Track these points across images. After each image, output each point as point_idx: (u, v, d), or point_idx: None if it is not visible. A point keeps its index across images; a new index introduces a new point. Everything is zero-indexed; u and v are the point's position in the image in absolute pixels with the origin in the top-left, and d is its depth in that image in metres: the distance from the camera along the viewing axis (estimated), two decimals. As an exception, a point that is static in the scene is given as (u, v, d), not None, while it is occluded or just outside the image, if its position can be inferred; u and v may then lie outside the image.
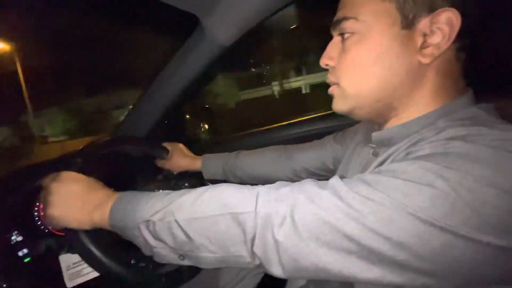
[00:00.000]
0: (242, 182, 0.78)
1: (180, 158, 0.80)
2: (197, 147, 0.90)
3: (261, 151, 0.81)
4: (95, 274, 0.63)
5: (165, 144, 0.81)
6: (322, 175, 0.73)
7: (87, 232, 0.46)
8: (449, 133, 0.33)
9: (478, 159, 0.28)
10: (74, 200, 0.45)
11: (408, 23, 0.37)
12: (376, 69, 0.39)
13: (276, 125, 1.11)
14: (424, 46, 0.37)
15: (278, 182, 0.39)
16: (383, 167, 0.35)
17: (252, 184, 0.41)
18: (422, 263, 0.28)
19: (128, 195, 0.45)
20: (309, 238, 0.32)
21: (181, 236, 0.38)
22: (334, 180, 0.35)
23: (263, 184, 0.39)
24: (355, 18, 0.39)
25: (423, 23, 0.37)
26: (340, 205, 0.32)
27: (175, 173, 0.85)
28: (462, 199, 0.27)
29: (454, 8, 0.35)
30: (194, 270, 0.54)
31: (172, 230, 0.38)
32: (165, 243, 0.39)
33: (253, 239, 0.34)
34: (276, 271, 0.34)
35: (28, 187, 0.65)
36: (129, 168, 0.88)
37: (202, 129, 1.11)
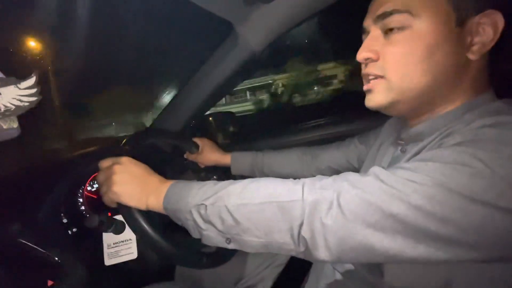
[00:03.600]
0: None
1: (210, 153, 0.85)
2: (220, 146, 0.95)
3: (287, 150, 0.84)
4: (132, 256, 0.68)
5: (195, 139, 0.87)
6: None
7: (138, 209, 0.50)
8: (478, 123, 0.35)
9: (507, 141, 0.31)
10: (136, 181, 0.49)
11: (461, 22, 0.39)
12: (427, 65, 0.40)
13: (298, 127, 1.15)
14: (471, 44, 0.39)
15: (318, 176, 0.41)
16: (418, 157, 0.37)
17: None
18: (466, 236, 0.30)
19: (181, 182, 0.49)
20: (355, 220, 0.33)
21: (229, 220, 0.40)
22: (375, 168, 0.37)
23: None
24: (409, 12, 0.39)
25: (472, 22, 0.39)
26: (383, 187, 0.34)
27: (202, 167, 0.90)
28: (497, 175, 0.29)
29: (498, 11, 0.38)
30: (229, 255, 0.58)
31: (222, 214, 0.41)
32: (214, 226, 0.42)
33: (300, 225, 0.36)
34: (323, 255, 0.36)
35: (81, 171, 0.71)
36: (160, 162, 0.94)
37: (225, 131, 1.16)
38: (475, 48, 0.39)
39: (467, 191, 0.30)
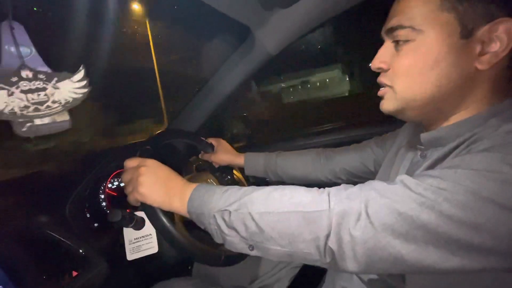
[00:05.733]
0: (281, 181, 0.84)
1: (224, 153, 0.86)
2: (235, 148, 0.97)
3: (301, 152, 0.84)
4: (153, 251, 0.70)
5: (210, 139, 0.89)
6: (362, 177, 0.74)
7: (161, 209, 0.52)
8: (506, 128, 0.35)
9: None
10: (161, 184, 0.50)
11: (467, 33, 0.38)
12: (432, 76, 0.40)
13: (311, 131, 1.17)
14: (482, 53, 0.38)
15: (343, 185, 0.40)
16: (445, 164, 0.36)
17: (291, 184, 0.44)
18: (499, 245, 0.29)
19: (205, 186, 0.49)
20: (384, 230, 0.33)
21: (253, 227, 0.40)
22: (403, 176, 0.36)
23: (302, 184, 0.42)
24: (412, 27, 0.40)
25: (482, 32, 0.37)
26: (413, 196, 0.33)
27: (216, 166, 0.92)
28: None
29: None
30: (245, 254, 0.59)
31: (245, 221, 0.41)
32: (237, 232, 0.41)
33: (327, 236, 0.35)
34: (351, 266, 0.35)
35: (104, 168, 0.74)
36: (176, 161, 0.97)
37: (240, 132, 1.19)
38: (485, 58, 0.38)
39: (498, 198, 0.29)
